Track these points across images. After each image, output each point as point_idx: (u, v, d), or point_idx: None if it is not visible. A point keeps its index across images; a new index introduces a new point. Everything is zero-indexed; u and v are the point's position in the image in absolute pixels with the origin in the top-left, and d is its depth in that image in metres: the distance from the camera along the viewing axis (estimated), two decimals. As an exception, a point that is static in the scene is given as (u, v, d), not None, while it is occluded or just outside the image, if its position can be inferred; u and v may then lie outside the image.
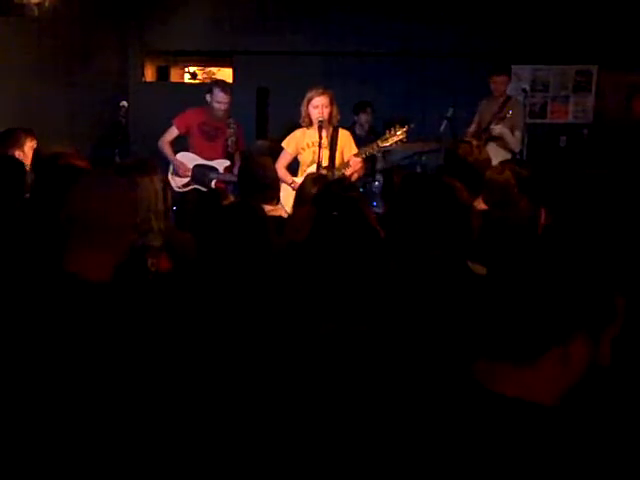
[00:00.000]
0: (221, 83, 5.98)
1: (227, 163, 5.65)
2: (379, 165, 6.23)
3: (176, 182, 5.62)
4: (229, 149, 5.75)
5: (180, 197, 5.42)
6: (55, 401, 1.68)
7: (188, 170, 5.63)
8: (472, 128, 6.18)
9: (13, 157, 3.75)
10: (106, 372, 1.70)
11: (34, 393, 1.69)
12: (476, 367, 1.16)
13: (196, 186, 5.60)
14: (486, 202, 3.17)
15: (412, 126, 4.86)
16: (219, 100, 5.60)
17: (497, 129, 5.79)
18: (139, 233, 2.70)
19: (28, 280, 1.85)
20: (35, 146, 4.37)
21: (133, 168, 2.87)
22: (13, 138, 4.34)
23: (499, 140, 5.83)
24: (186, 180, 5.63)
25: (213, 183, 5.54)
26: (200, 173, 5.60)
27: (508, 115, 5.85)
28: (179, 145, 5.75)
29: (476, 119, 6.22)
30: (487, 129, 5.92)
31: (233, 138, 5.68)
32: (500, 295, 1.16)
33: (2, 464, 1.66)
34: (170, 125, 5.71)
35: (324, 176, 3.97)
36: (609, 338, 1.14)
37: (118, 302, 1.82)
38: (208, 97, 5.66)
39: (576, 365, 1.13)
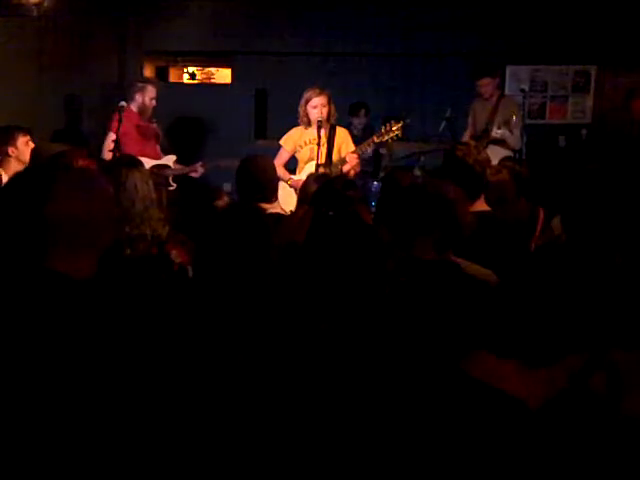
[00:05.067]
0: (151, 80, 5.95)
1: (174, 157, 5.67)
2: (383, 163, 6.24)
3: None
4: (160, 145, 5.79)
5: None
6: (45, 398, 1.68)
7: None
8: (468, 132, 6.16)
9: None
10: (93, 369, 1.69)
11: (22, 390, 1.69)
12: (472, 360, 1.19)
13: None
14: (487, 202, 3.16)
15: (408, 121, 4.88)
16: (152, 96, 5.60)
17: (499, 133, 5.76)
18: (138, 222, 2.77)
19: (11, 277, 1.83)
20: (30, 142, 4.38)
21: (120, 163, 2.97)
22: (5, 135, 4.35)
23: (501, 142, 5.81)
24: None
25: (170, 179, 5.53)
26: (153, 174, 5.57)
27: (513, 120, 5.82)
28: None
29: (470, 121, 6.19)
30: (486, 131, 5.90)
31: (159, 134, 5.75)
32: (532, 299, 1.20)
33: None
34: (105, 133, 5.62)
35: (327, 175, 3.99)
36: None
37: (104, 299, 1.82)
38: (139, 96, 5.62)
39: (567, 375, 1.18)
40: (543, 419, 1.16)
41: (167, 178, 5.51)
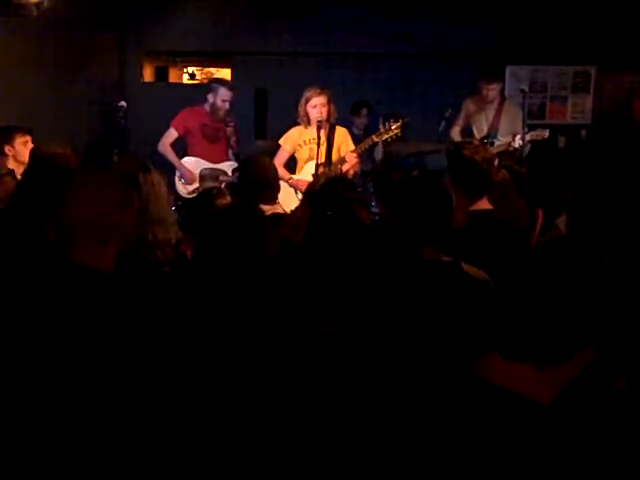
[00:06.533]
0: (225, 81, 5.97)
1: (234, 165, 5.57)
2: (376, 164, 6.21)
3: (184, 189, 5.54)
4: (233, 149, 5.70)
5: (188, 203, 5.20)
6: (61, 389, 1.73)
7: (196, 176, 5.55)
8: (458, 127, 6.02)
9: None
10: (111, 359, 1.76)
11: (42, 380, 1.74)
12: (482, 363, 1.19)
13: None
14: (490, 201, 3.17)
15: (407, 120, 4.87)
16: (225, 98, 5.55)
17: (516, 144, 5.56)
18: (155, 226, 2.82)
19: (37, 272, 1.95)
20: (28, 142, 4.37)
21: (136, 167, 3.01)
22: (3, 135, 4.35)
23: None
24: (194, 186, 5.53)
25: (223, 187, 5.46)
26: (209, 178, 5.51)
27: (519, 126, 5.65)
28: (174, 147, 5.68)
29: (462, 116, 6.03)
30: (493, 137, 5.77)
31: (234, 137, 5.65)
32: (539, 301, 1.20)
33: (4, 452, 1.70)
34: (168, 127, 5.64)
35: (339, 177, 3.99)
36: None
37: (128, 291, 1.92)
38: (211, 97, 5.60)
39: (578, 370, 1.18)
40: (557, 417, 1.15)
41: (220, 185, 5.34)
